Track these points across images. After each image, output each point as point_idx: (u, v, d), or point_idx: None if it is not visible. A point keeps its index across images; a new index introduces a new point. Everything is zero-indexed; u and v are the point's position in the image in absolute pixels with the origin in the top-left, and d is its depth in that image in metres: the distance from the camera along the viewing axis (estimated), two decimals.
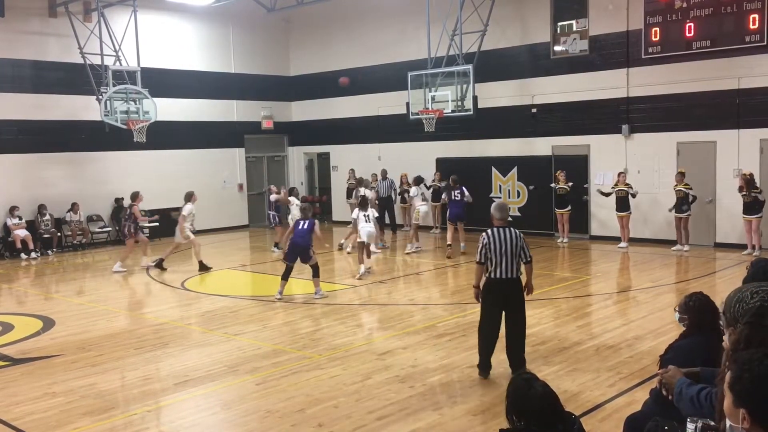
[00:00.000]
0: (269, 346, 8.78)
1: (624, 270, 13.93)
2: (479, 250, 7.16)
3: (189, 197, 14.82)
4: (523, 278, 7.39)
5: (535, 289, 11.84)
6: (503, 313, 7.25)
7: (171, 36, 20.56)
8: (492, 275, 7.14)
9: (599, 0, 16.59)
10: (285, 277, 11.57)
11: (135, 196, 15.02)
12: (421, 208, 16.36)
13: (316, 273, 11.59)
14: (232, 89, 21.95)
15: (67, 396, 7.16)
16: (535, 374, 3.49)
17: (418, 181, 16.96)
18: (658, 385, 3.61)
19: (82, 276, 15.27)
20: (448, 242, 15.37)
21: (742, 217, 14.32)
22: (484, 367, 7.29)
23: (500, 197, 18.62)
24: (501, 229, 7.16)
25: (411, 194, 17.23)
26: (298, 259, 11.60)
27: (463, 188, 15.45)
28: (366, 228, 13.49)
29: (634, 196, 15.55)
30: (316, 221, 12.01)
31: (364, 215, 13.62)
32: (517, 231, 7.23)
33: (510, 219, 7.91)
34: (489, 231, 7.16)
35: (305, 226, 11.64)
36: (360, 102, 21.42)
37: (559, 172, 16.80)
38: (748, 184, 13.98)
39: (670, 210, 15.08)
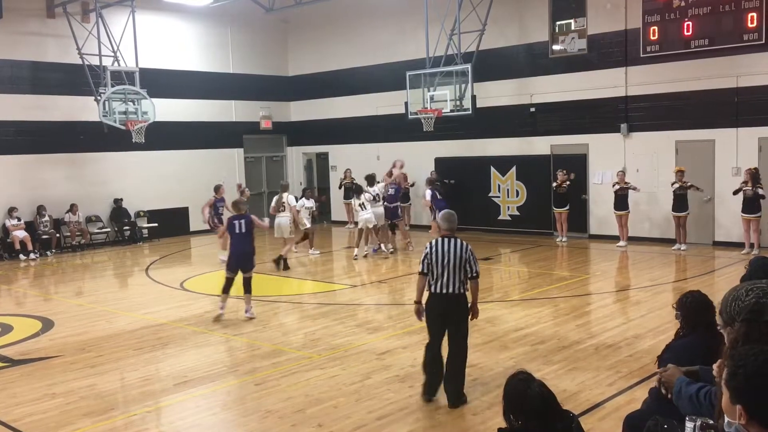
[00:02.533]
0: (269, 347, 8.78)
1: (623, 269, 13.94)
2: (421, 259, 6.59)
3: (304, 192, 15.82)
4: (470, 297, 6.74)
5: (534, 288, 11.94)
6: (446, 329, 6.61)
7: (169, 36, 20.55)
8: (432, 289, 6.54)
9: None
10: (226, 290, 10.22)
11: (217, 189, 15.58)
12: (363, 215, 15.29)
13: (248, 288, 10.16)
14: (231, 89, 21.95)
15: (67, 397, 7.16)
16: (531, 374, 3.48)
17: (371, 180, 16.06)
18: (657, 384, 3.62)
19: (81, 277, 15.26)
20: None
21: (741, 216, 14.32)
22: (428, 389, 6.61)
23: (499, 197, 18.65)
24: (446, 239, 6.53)
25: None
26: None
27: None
28: (361, 215, 15.31)
29: (634, 189, 15.53)
30: (253, 216, 10.49)
31: (359, 204, 15.39)
32: (464, 243, 6.56)
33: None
34: (432, 240, 6.63)
35: (243, 229, 10.11)
36: (358, 102, 21.42)
37: (559, 170, 16.78)
38: (753, 177, 13.96)
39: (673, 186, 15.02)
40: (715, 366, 3.04)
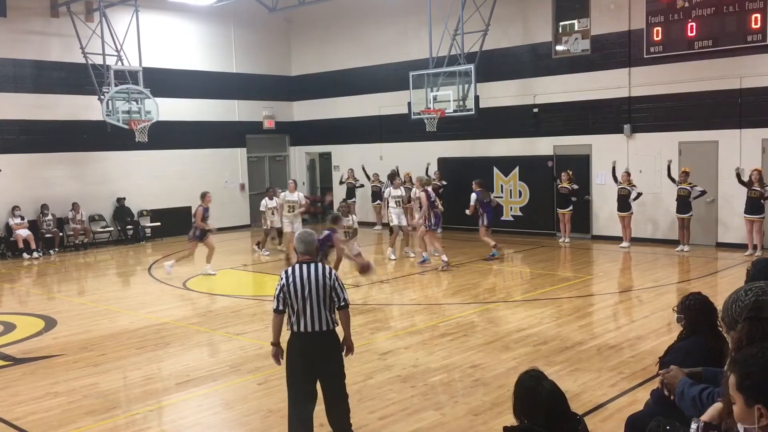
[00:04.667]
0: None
1: (626, 270, 13.92)
2: (275, 294, 5.39)
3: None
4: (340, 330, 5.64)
5: (537, 288, 11.93)
6: (317, 379, 5.45)
7: (173, 36, 20.57)
8: (294, 328, 5.37)
9: None
10: None
11: (203, 196, 14.32)
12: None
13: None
14: (234, 89, 21.97)
15: (69, 396, 7.17)
16: (543, 373, 3.47)
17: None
18: (660, 386, 3.61)
19: (83, 276, 15.29)
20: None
21: (743, 217, 14.30)
22: None
23: (501, 197, 18.62)
24: (304, 266, 5.41)
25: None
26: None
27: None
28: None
29: (636, 197, 15.48)
30: (335, 233, 10.65)
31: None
32: (326, 267, 5.47)
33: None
34: (288, 269, 5.47)
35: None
36: (361, 102, 21.43)
37: (563, 172, 16.74)
38: (759, 179, 13.91)
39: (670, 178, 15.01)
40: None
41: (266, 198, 16.80)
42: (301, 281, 5.32)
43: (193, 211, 14.45)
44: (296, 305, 5.31)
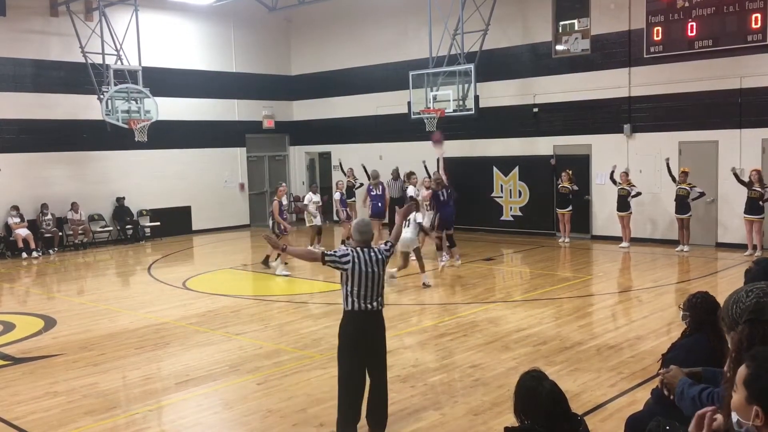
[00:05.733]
0: (270, 346, 8.78)
1: (625, 270, 13.92)
2: (343, 253, 5.72)
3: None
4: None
5: (537, 288, 11.94)
6: (368, 358, 5.81)
7: (172, 35, 20.56)
8: (356, 306, 5.64)
9: None
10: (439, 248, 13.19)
11: (276, 190, 14.19)
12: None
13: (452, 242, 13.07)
14: (234, 88, 21.96)
15: (69, 395, 7.17)
16: (544, 373, 3.47)
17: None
18: (659, 385, 3.61)
19: (83, 275, 15.29)
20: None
21: (743, 218, 14.30)
22: (353, 426, 5.82)
23: (501, 197, 18.62)
24: (365, 248, 5.76)
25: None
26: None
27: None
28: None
29: (635, 195, 15.50)
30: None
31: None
32: (380, 252, 5.79)
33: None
34: (351, 249, 5.75)
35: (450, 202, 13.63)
36: (361, 101, 21.42)
37: (564, 172, 16.71)
38: (759, 179, 13.90)
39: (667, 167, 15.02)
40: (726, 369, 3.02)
41: (310, 193, 16.53)
42: (365, 261, 5.63)
43: (268, 210, 14.14)
44: (356, 284, 5.60)
